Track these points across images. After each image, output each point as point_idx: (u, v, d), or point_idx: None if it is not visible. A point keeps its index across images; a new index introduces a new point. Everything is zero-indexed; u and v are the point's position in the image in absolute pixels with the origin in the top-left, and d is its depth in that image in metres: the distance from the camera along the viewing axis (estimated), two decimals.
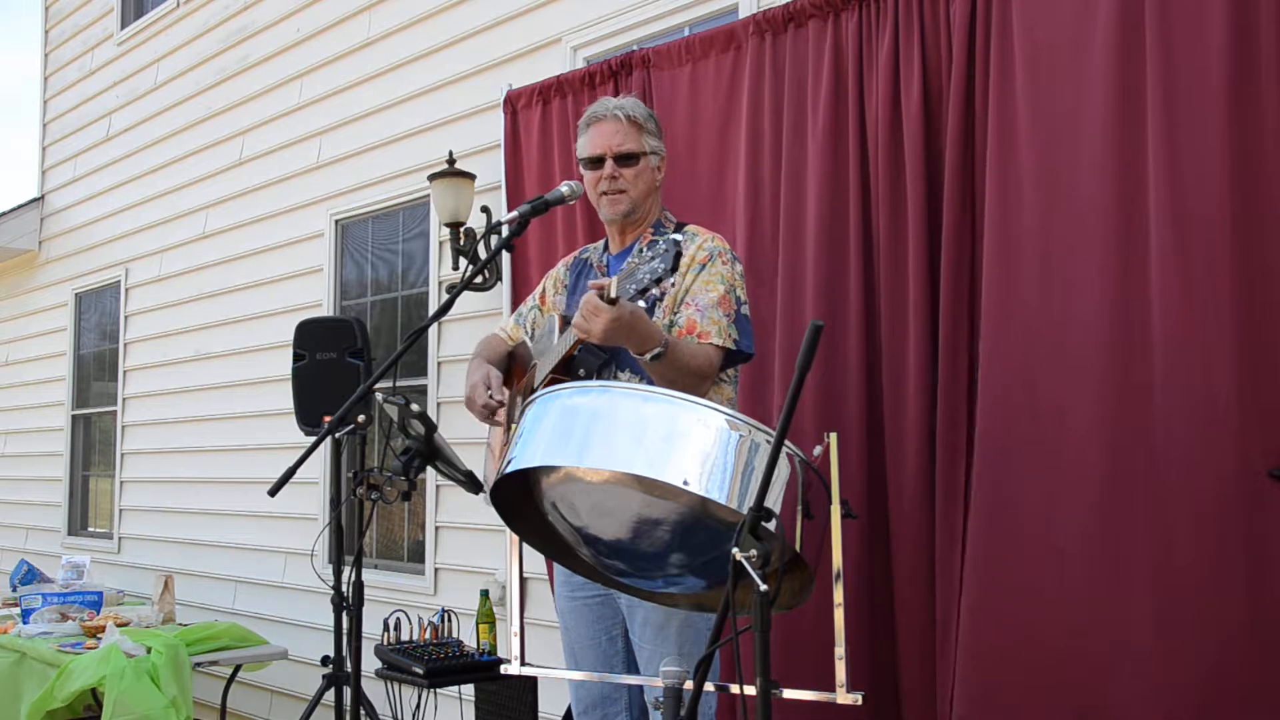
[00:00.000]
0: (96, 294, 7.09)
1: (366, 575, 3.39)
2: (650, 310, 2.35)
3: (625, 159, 2.48)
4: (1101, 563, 2.57)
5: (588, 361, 2.35)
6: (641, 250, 2.50)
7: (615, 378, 2.38)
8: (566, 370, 2.35)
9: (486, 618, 3.73)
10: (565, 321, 2.44)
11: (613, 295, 2.03)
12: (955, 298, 2.81)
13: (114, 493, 6.66)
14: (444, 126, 4.62)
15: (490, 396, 2.42)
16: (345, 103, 5.16)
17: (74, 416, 7.22)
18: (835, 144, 3.08)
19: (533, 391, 2.39)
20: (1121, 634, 2.52)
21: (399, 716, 3.78)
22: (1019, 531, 2.68)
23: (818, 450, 1.76)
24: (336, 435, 3.89)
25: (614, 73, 3.70)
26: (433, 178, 4.18)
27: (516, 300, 3.95)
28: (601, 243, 2.66)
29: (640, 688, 2.48)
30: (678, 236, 1.95)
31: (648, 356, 2.15)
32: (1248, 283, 2.38)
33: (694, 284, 2.39)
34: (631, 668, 2.48)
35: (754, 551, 1.47)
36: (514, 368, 2.65)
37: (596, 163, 2.49)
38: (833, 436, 1.75)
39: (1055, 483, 2.65)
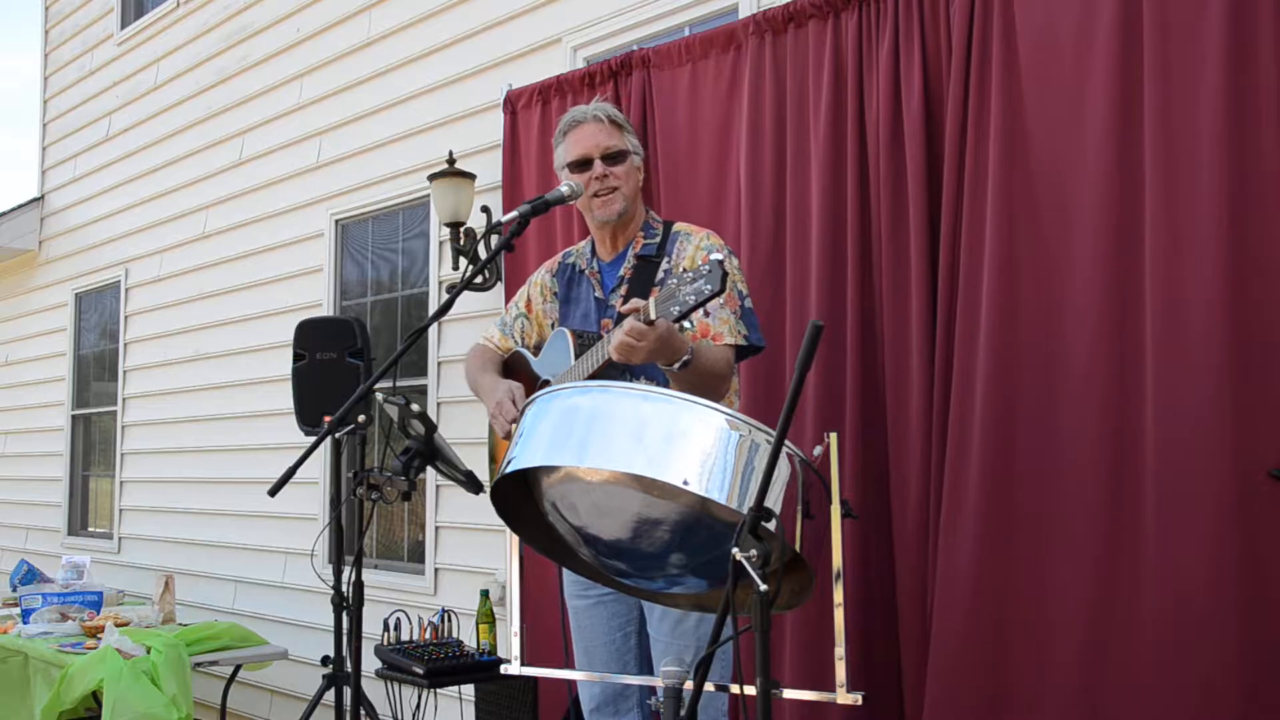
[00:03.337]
0: (96, 294, 7.09)
1: (366, 575, 3.39)
2: None
3: (613, 157, 2.47)
4: (1101, 563, 2.57)
5: (610, 376, 2.34)
6: (635, 255, 2.50)
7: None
8: None
9: (486, 618, 3.73)
10: (578, 336, 2.42)
11: (651, 318, 1.99)
12: (955, 297, 2.81)
13: (114, 493, 6.66)
14: (444, 126, 4.62)
15: (518, 410, 2.39)
16: (345, 103, 5.16)
17: (74, 416, 7.22)
18: (836, 144, 3.09)
19: None
20: (1121, 634, 2.53)
21: (399, 716, 3.78)
22: (1016, 530, 2.69)
23: (818, 450, 1.76)
24: (336, 435, 3.89)
25: (614, 73, 3.70)
26: (433, 178, 4.18)
27: (510, 299, 3.94)
28: (586, 247, 2.63)
29: (651, 685, 2.49)
30: (719, 256, 1.90)
31: (676, 366, 2.13)
32: (1245, 282, 2.38)
33: None
34: (645, 664, 2.50)
35: (754, 551, 1.47)
36: (514, 378, 2.63)
37: (584, 165, 2.47)
38: (832, 436, 1.75)
39: (1053, 482, 2.65)
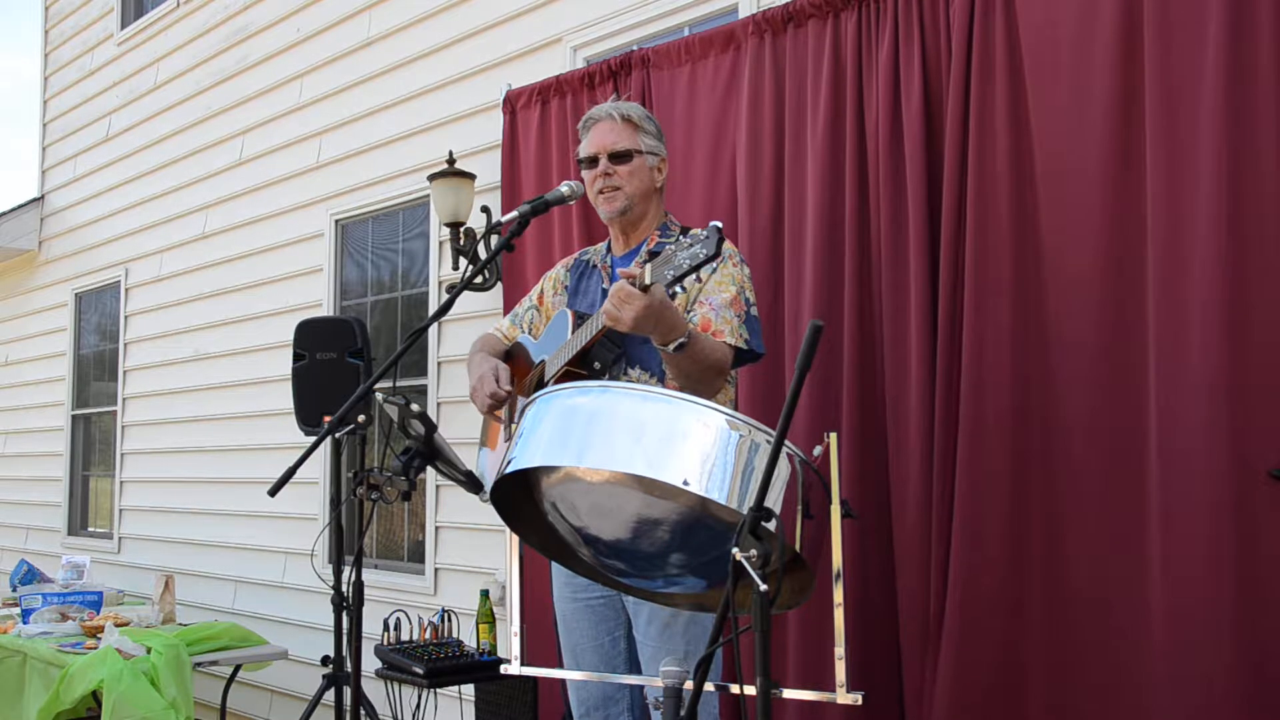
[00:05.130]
0: (96, 294, 7.09)
1: (366, 575, 3.39)
2: None
3: (619, 157, 2.49)
4: (1101, 563, 2.57)
5: (603, 355, 2.35)
6: (650, 247, 2.51)
7: (626, 374, 2.38)
8: (582, 362, 2.34)
9: (486, 618, 3.73)
10: (579, 317, 2.43)
11: (646, 282, 1.98)
12: (955, 297, 2.81)
13: (114, 493, 6.66)
14: (444, 126, 4.62)
15: (499, 385, 2.42)
16: (345, 103, 5.16)
17: (74, 416, 7.22)
18: (834, 144, 3.09)
19: (543, 385, 2.39)
20: (1120, 634, 2.53)
21: (399, 716, 3.78)
22: (1016, 531, 2.69)
23: (818, 450, 1.76)
24: (336, 435, 3.89)
25: (614, 73, 3.70)
26: (433, 178, 4.18)
27: (509, 299, 3.95)
28: (604, 245, 2.66)
29: (641, 688, 2.48)
30: (718, 223, 1.90)
31: (671, 347, 2.13)
32: (1245, 281, 2.38)
33: (707, 284, 2.39)
34: (633, 668, 2.48)
35: (754, 551, 1.46)
36: (512, 367, 2.65)
37: (592, 162, 2.51)
38: (832, 436, 1.74)
39: (1057, 483, 2.65)
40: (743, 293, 2.42)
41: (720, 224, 1.88)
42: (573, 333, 2.40)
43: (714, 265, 2.36)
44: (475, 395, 2.49)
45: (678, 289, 1.99)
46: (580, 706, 2.52)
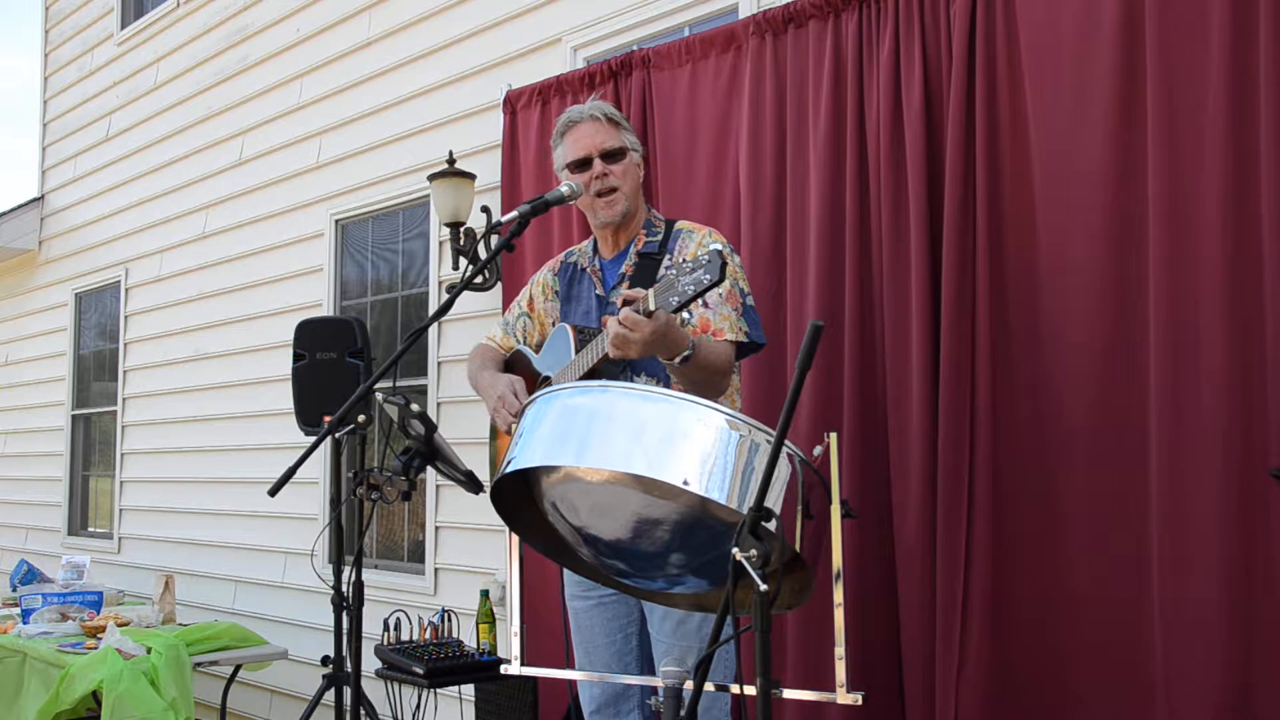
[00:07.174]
0: (96, 294, 7.09)
1: (366, 575, 3.39)
2: None
3: (611, 155, 2.47)
4: (1104, 563, 2.57)
5: (610, 371, 2.34)
6: (638, 252, 2.50)
7: (632, 380, 2.37)
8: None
9: (486, 618, 3.73)
10: (579, 332, 2.41)
11: (650, 309, 1.96)
12: (956, 297, 2.81)
13: (114, 493, 6.66)
14: (444, 126, 4.62)
15: (520, 403, 2.39)
16: (345, 103, 5.16)
17: (74, 416, 7.22)
18: (836, 145, 3.08)
19: None
20: (1123, 633, 2.53)
21: (399, 716, 3.78)
22: (1022, 533, 2.69)
23: (818, 450, 1.76)
24: (336, 435, 3.88)
25: (614, 73, 3.70)
26: (433, 178, 4.18)
27: (509, 299, 3.94)
28: (589, 246, 2.64)
29: (652, 686, 2.48)
30: (719, 246, 1.88)
31: (677, 361, 2.12)
32: (1246, 281, 2.38)
33: None
34: (646, 665, 2.49)
35: (754, 551, 1.46)
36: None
37: (584, 164, 2.48)
38: (832, 436, 1.74)
39: (1059, 482, 2.65)
40: (737, 285, 2.41)
41: (720, 247, 1.87)
42: (575, 351, 2.38)
43: (722, 295, 2.36)
44: (498, 415, 2.45)
45: (685, 315, 1.97)
46: (590, 704, 2.52)
